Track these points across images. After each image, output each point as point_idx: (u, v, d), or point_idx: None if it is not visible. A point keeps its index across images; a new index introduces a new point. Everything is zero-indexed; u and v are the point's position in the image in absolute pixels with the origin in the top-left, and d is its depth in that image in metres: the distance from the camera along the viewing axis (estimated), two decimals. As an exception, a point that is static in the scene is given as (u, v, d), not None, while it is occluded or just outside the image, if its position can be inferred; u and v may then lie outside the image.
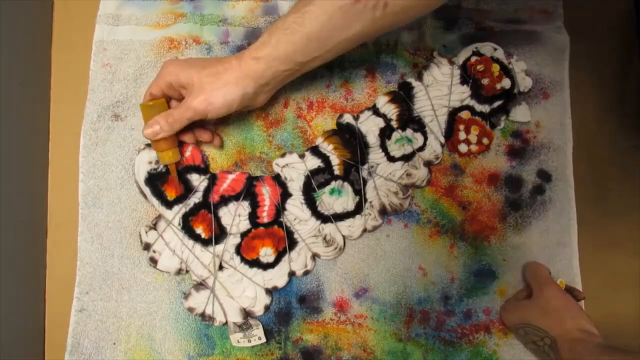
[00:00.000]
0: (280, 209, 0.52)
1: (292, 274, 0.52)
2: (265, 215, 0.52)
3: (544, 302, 0.48)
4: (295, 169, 0.53)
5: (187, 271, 0.51)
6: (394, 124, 0.54)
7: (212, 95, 0.46)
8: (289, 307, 0.53)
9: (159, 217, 0.52)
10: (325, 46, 0.44)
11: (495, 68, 0.55)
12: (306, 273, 0.53)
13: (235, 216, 0.52)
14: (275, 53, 0.44)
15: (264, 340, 0.51)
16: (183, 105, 0.46)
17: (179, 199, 0.51)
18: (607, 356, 0.42)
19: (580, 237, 0.55)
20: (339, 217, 0.53)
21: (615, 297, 0.56)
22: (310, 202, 0.53)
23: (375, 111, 0.55)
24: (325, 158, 0.53)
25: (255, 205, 0.52)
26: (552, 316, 0.47)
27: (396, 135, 0.54)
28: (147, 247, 0.51)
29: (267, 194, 0.52)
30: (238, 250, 0.51)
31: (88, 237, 0.52)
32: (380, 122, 0.54)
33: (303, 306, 0.53)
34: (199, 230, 0.51)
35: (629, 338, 0.54)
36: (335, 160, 0.53)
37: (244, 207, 0.52)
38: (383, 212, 0.54)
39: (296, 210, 0.52)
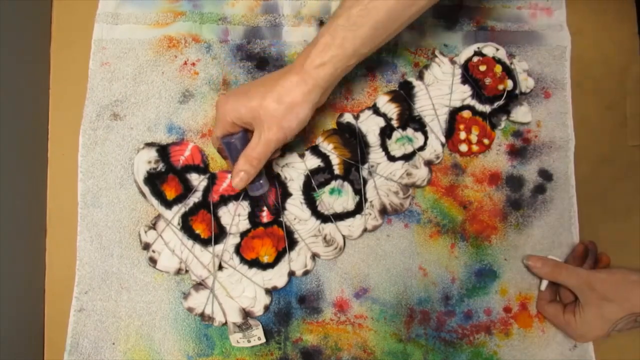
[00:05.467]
0: (280, 209, 0.52)
1: (291, 274, 0.52)
2: (264, 215, 0.52)
3: (601, 294, 0.47)
4: (295, 169, 0.53)
5: (186, 271, 0.51)
6: (394, 123, 0.54)
7: (285, 120, 0.43)
8: (289, 307, 0.52)
9: (159, 216, 0.52)
10: (390, 30, 0.43)
11: (498, 69, 0.54)
12: (306, 273, 0.52)
13: (234, 216, 0.51)
14: (342, 53, 0.43)
15: (263, 340, 0.50)
16: (260, 141, 0.44)
17: (178, 199, 0.51)
18: None
19: (582, 237, 0.55)
20: (339, 216, 0.53)
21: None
22: (310, 201, 0.52)
23: (376, 110, 0.54)
24: (325, 157, 0.53)
25: (254, 205, 0.52)
26: (619, 298, 0.46)
27: (396, 134, 0.54)
28: (146, 246, 0.51)
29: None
30: (237, 250, 0.51)
31: (87, 236, 0.52)
32: (381, 122, 0.54)
33: (303, 306, 0.53)
34: (199, 230, 0.51)
35: (631, 337, 0.54)
36: (335, 160, 0.53)
37: (243, 206, 0.52)
38: (383, 211, 0.53)
39: (296, 210, 0.52)
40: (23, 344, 0.50)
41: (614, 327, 0.47)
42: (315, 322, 0.52)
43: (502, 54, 0.55)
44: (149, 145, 0.52)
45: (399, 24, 0.44)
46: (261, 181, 0.48)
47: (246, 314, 0.51)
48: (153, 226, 0.51)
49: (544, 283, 0.53)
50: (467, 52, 0.55)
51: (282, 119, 0.43)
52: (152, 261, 0.51)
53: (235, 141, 0.47)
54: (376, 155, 0.54)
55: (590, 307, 0.48)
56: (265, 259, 0.51)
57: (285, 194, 0.52)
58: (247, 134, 0.47)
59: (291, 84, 0.43)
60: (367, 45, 0.44)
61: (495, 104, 0.55)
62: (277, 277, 0.52)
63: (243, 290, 0.51)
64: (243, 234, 0.52)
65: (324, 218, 0.52)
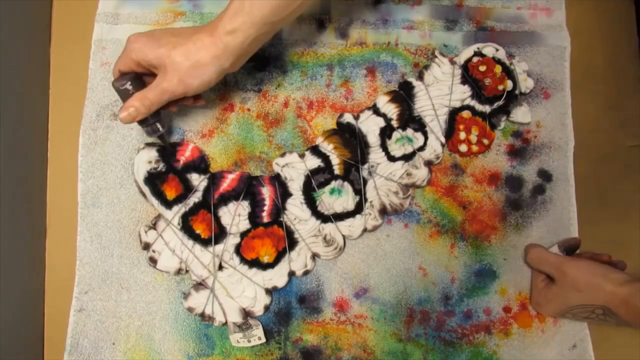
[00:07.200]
0: (280, 209, 0.52)
1: (292, 274, 0.52)
2: (265, 215, 0.52)
3: (571, 281, 0.48)
4: (295, 169, 0.53)
5: (186, 271, 0.51)
6: (394, 123, 0.54)
7: (188, 76, 0.43)
8: (289, 307, 0.52)
9: (159, 216, 0.52)
10: (296, 4, 0.43)
11: (498, 69, 0.54)
12: (306, 273, 0.52)
13: (235, 216, 0.51)
14: (250, 20, 0.42)
15: (263, 340, 0.50)
16: (158, 87, 0.44)
17: (179, 199, 0.51)
18: None
19: (581, 237, 0.55)
20: (339, 216, 0.53)
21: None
22: (310, 201, 0.52)
23: (376, 111, 0.54)
24: (325, 158, 0.53)
25: (255, 204, 0.52)
26: (588, 289, 0.47)
27: (396, 134, 0.54)
28: (146, 246, 0.51)
29: (267, 194, 0.52)
30: (238, 250, 0.51)
31: (87, 236, 0.52)
32: (381, 122, 0.54)
33: (303, 306, 0.53)
34: (199, 230, 0.51)
35: (630, 337, 0.54)
36: (335, 160, 0.53)
37: (243, 206, 0.52)
38: (383, 211, 0.54)
39: (296, 210, 0.52)
40: (23, 344, 0.50)
41: (569, 311, 0.49)
42: (315, 322, 0.52)
43: (501, 54, 0.55)
44: (149, 145, 0.52)
45: None
46: (157, 125, 0.48)
47: (246, 314, 0.51)
48: (153, 226, 0.51)
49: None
50: (467, 53, 0.56)
51: (185, 74, 0.43)
52: (153, 261, 0.51)
53: (128, 87, 0.46)
54: (376, 155, 0.54)
55: (558, 287, 0.49)
56: (266, 259, 0.51)
57: (286, 194, 0.52)
58: (139, 77, 0.47)
59: (202, 43, 0.43)
60: (277, 13, 0.43)
61: (495, 105, 0.55)
62: (277, 277, 0.52)
63: (243, 290, 0.51)
64: (243, 234, 0.52)
65: (324, 218, 0.52)
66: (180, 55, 0.43)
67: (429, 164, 0.55)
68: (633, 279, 0.46)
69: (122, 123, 0.47)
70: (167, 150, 0.52)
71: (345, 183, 0.53)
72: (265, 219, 0.52)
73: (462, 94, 0.55)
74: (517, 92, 0.55)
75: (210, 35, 0.43)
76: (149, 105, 0.45)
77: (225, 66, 0.44)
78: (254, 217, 0.52)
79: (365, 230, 0.53)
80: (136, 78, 0.46)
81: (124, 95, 0.46)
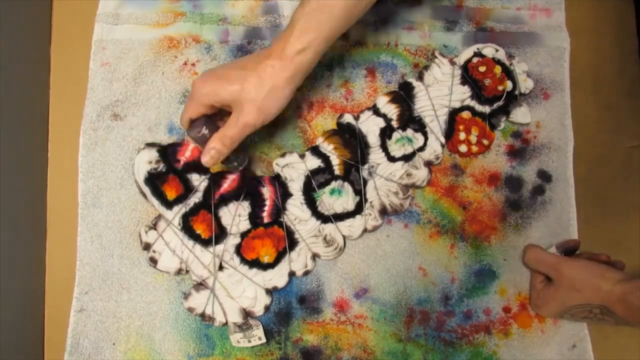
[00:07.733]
0: (280, 209, 0.52)
1: (292, 274, 0.52)
2: (265, 215, 0.52)
3: (569, 282, 0.48)
4: (295, 169, 0.53)
5: (187, 271, 0.51)
6: (394, 124, 0.54)
7: (266, 105, 0.44)
8: (289, 307, 0.52)
9: (159, 217, 0.52)
10: (362, 5, 0.44)
11: (497, 69, 0.55)
12: (306, 273, 0.53)
13: (235, 216, 0.51)
14: (321, 35, 0.43)
15: (264, 340, 0.50)
16: (238, 123, 0.44)
17: (179, 199, 0.51)
18: None
19: (580, 238, 0.55)
20: (339, 217, 0.53)
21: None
22: (311, 202, 0.52)
23: (376, 111, 0.55)
24: (325, 158, 0.53)
25: (255, 205, 0.52)
26: (585, 288, 0.47)
27: (396, 135, 0.54)
28: (147, 247, 0.51)
29: (267, 194, 0.52)
30: (238, 250, 0.51)
31: (87, 237, 0.52)
32: (381, 122, 0.54)
33: (303, 306, 0.53)
34: (199, 230, 0.51)
35: (629, 337, 0.54)
36: (335, 160, 0.53)
37: (244, 207, 0.52)
38: (383, 212, 0.54)
39: (296, 210, 0.52)
40: (23, 344, 0.50)
41: (567, 311, 0.49)
42: (315, 322, 0.53)
43: (501, 55, 0.55)
44: (150, 145, 0.52)
45: (367, 1, 0.45)
46: (241, 157, 0.49)
47: (247, 314, 0.51)
48: (154, 226, 0.51)
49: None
50: (466, 53, 0.56)
51: (263, 103, 0.44)
52: (153, 261, 0.51)
53: (204, 132, 0.47)
54: (376, 155, 0.54)
55: (556, 287, 0.50)
56: (266, 259, 0.51)
57: (286, 195, 0.52)
58: (210, 118, 0.47)
59: (273, 69, 0.43)
60: (343, 24, 0.44)
61: (495, 105, 0.55)
62: (277, 277, 0.52)
63: (243, 291, 0.51)
64: (243, 234, 0.52)
65: (324, 218, 0.52)
66: (255, 86, 0.43)
67: (428, 164, 0.55)
68: (630, 277, 0.46)
69: (206, 166, 0.47)
70: (252, 179, 0.52)
71: (346, 183, 0.53)
72: (266, 219, 0.52)
73: (462, 94, 0.55)
74: (516, 92, 0.55)
75: (279, 59, 0.43)
76: (230, 144, 0.45)
77: (298, 84, 0.45)
78: (254, 217, 0.52)
79: (365, 230, 0.53)
80: (208, 121, 0.47)
81: (203, 141, 0.47)
